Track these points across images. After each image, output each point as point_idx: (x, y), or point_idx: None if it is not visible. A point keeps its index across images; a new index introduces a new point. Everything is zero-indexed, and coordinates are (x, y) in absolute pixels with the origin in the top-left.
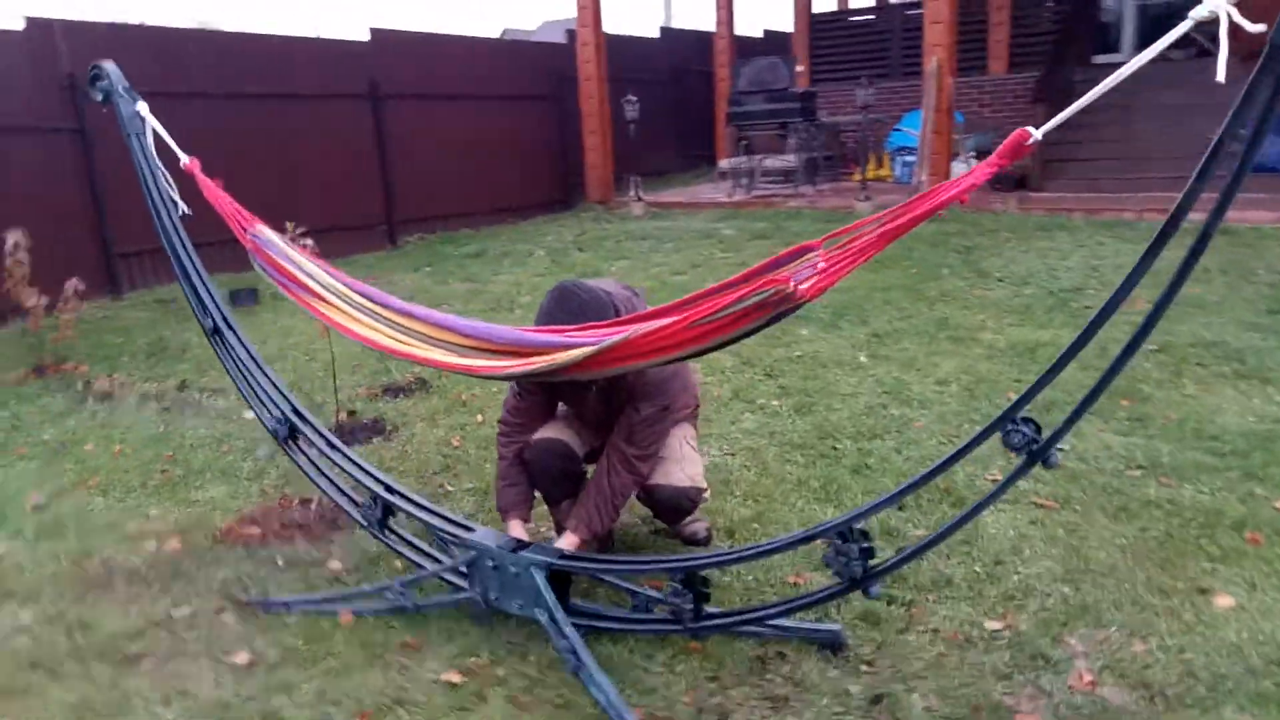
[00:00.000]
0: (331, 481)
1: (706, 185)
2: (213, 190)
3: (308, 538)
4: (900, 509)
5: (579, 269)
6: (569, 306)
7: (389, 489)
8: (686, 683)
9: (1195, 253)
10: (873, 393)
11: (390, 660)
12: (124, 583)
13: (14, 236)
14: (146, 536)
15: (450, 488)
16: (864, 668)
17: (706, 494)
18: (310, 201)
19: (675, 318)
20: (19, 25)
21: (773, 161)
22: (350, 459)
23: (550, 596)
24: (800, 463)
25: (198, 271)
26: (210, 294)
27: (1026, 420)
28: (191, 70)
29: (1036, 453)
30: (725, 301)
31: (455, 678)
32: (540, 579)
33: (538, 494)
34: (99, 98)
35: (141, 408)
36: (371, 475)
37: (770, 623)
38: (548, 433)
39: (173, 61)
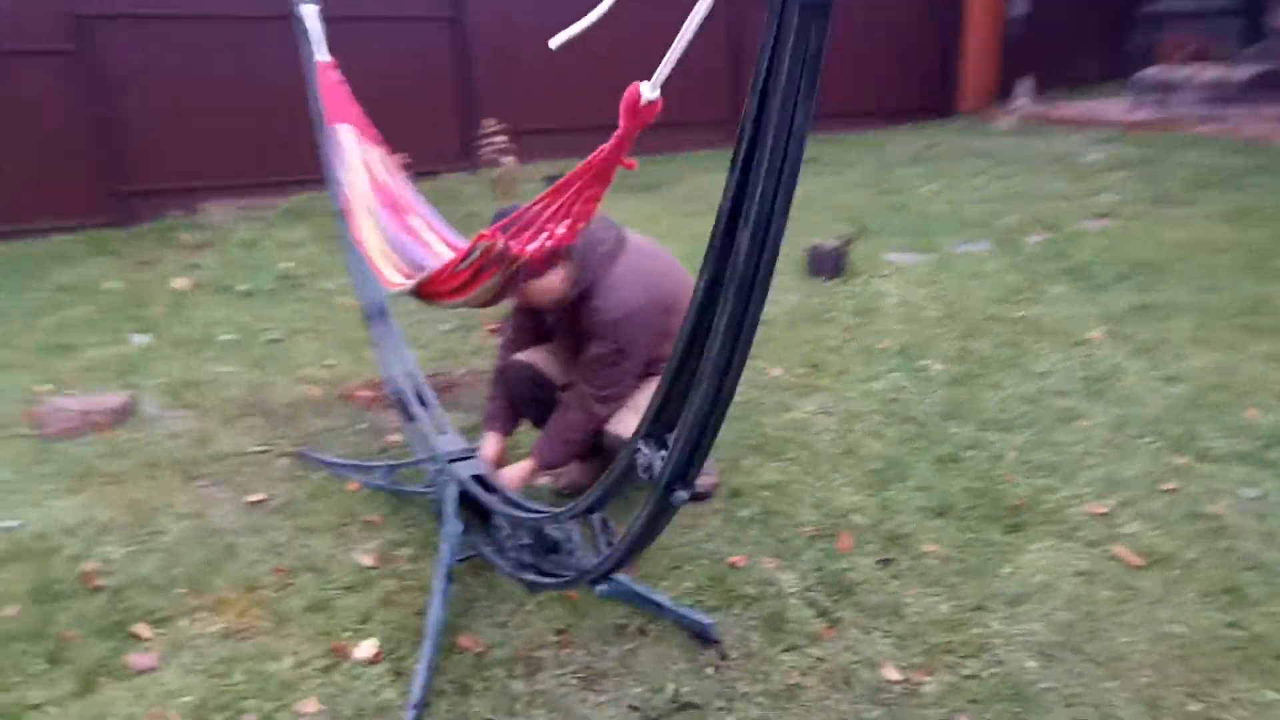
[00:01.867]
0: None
1: (1118, 100)
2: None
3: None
4: (938, 516)
5: (889, 188)
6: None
7: (409, 378)
8: (533, 628)
9: None
10: (1068, 377)
11: (346, 531)
12: (262, 413)
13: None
14: (307, 381)
15: None
16: (708, 670)
17: None
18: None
19: (434, 271)
20: None
21: (1210, 72)
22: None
23: (448, 508)
24: (887, 439)
25: None
26: None
27: (652, 438)
28: None
29: (665, 485)
30: (451, 264)
31: (369, 560)
32: (448, 491)
33: None
34: None
35: None
36: (402, 363)
37: (652, 598)
38: (524, 355)
39: None
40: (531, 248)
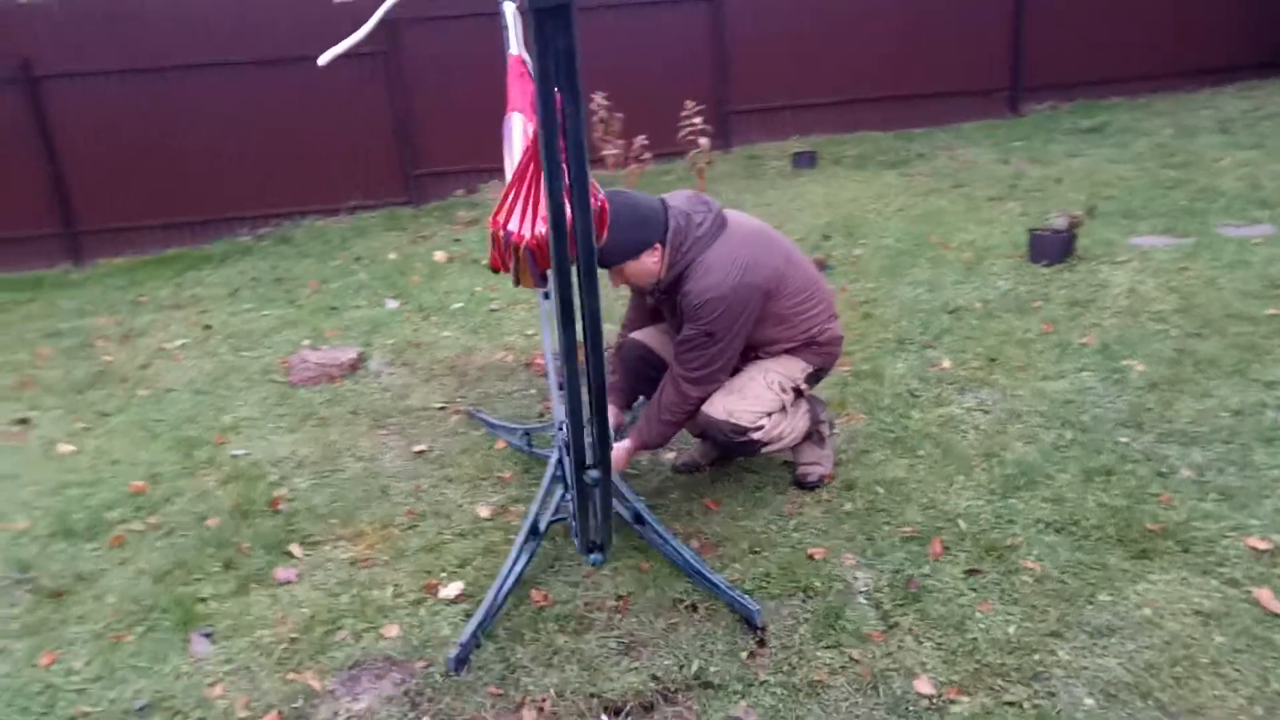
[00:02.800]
0: None
1: None
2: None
3: None
4: (1056, 532)
5: (1177, 161)
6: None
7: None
8: (600, 592)
9: None
10: None
11: (480, 484)
12: (457, 374)
13: (597, 98)
14: (506, 348)
15: None
16: (741, 654)
17: (756, 435)
18: (920, 63)
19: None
20: None
21: None
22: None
23: (548, 470)
24: (1039, 444)
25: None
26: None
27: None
28: None
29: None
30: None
31: (486, 513)
32: (552, 456)
33: None
34: None
35: None
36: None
37: (708, 576)
38: (639, 334)
39: None
40: (529, 236)
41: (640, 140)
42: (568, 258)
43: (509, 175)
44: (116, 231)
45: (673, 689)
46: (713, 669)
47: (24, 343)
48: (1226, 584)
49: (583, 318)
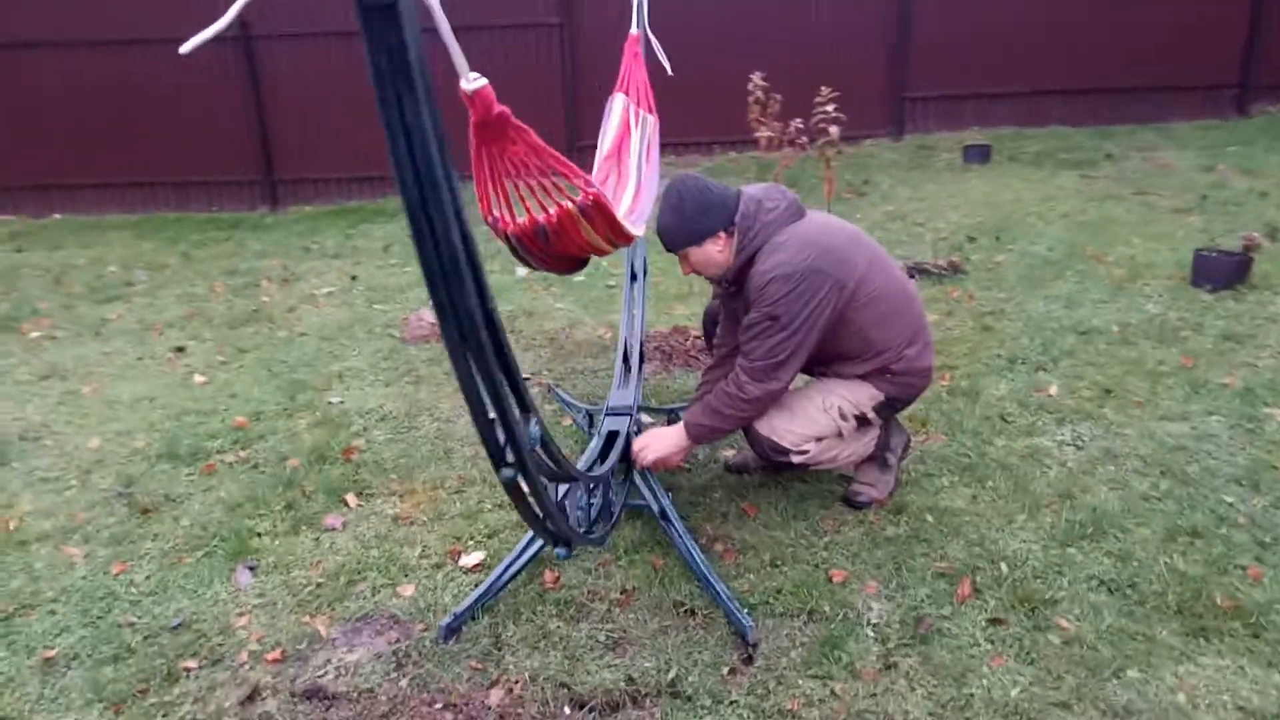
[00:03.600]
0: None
1: None
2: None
3: (664, 365)
4: (1109, 592)
5: None
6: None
7: (634, 337)
8: (609, 582)
9: None
10: None
11: None
12: (554, 346)
13: (755, 78)
14: (607, 325)
15: None
16: (723, 669)
17: (797, 457)
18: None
19: None
20: None
21: None
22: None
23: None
24: (1127, 490)
25: None
26: None
27: None
28: None
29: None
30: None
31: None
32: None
33: None
34: None
35: None
36: (632, 323)
37: (712, 584)
38: (720, 328)
39: None
40: (520, 224)
41: (796, 123)
42: (433, 259)
43: (599, 147)
44: (310, 181)
45: (643, 693)
46: (689, 679)
47: (206, 277)
48: None
49: (458, 317)
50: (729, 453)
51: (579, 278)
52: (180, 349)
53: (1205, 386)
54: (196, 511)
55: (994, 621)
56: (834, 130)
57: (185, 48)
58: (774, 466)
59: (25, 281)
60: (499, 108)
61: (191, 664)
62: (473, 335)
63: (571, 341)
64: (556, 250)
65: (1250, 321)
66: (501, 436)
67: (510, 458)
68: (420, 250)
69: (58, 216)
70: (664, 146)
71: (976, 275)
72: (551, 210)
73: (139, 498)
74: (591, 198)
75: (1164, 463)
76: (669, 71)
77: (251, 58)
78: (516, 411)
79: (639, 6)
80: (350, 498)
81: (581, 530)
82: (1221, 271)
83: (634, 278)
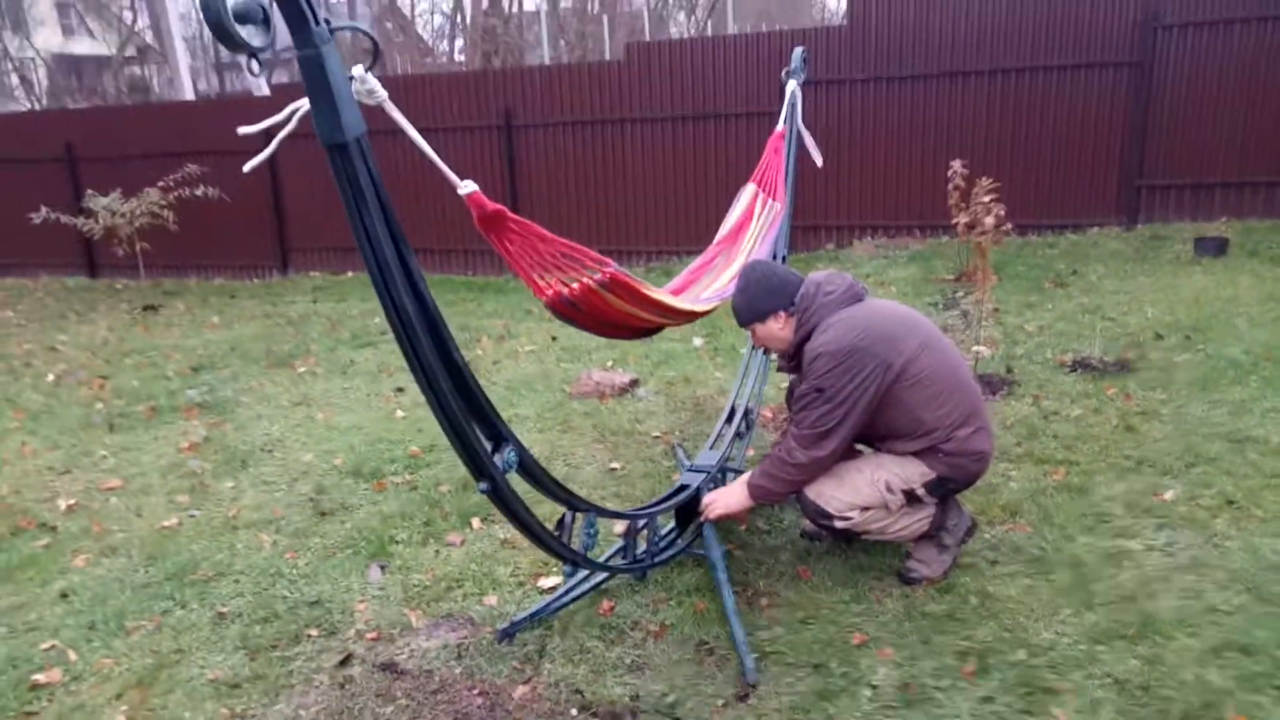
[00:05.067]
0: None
1: None
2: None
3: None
4: (1136, 702)
5: None
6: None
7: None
8: (653, 615)
9: None
10: None
11: (634, 505)
12: (694, 409)
13: (956, 164)
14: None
15: None
16: (719, 700)
17: (840, 524)
18: None
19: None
20: None
21: None
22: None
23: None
24: (1199, 603)
25: None
26: None
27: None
28: None
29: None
30: None
31: (619, 528)
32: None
33: None
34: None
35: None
36: (745, 389)
37: (732, 622)
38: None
39: None
40: (548, 296)
41: (998, 210)
42: (395, 320)
43: (720, 234)
44: None
45: (643, 710)
46: (686, 704)
47: None
48: None
49: (421, 367)
50: (806, 522)
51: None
52: (400, 389)
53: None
54: (359, 519)
55: (986, 700)
56: (989, 220)
57: (247, 167)
58: (830, 532)
59: (310, 326)
60: (492, 206)
61: (314, 632)
62: (434, 381)
63: (714, 407)
64: (595, 317)
65: None
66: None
67: (486, 476)
68: (385, 313)
69: (351, 274)
70: (884, 228)
71: (1146, 374)
72: (575, 285)
73: (323, 503)
74: (609, 275)
75: (1253, 580)
76: (819, 163)
77: (511, 142)
78: (485, 441)
79: (790, 106)
80: (475, 521)
81: (585, 552)
82: None
83: (754, 347)
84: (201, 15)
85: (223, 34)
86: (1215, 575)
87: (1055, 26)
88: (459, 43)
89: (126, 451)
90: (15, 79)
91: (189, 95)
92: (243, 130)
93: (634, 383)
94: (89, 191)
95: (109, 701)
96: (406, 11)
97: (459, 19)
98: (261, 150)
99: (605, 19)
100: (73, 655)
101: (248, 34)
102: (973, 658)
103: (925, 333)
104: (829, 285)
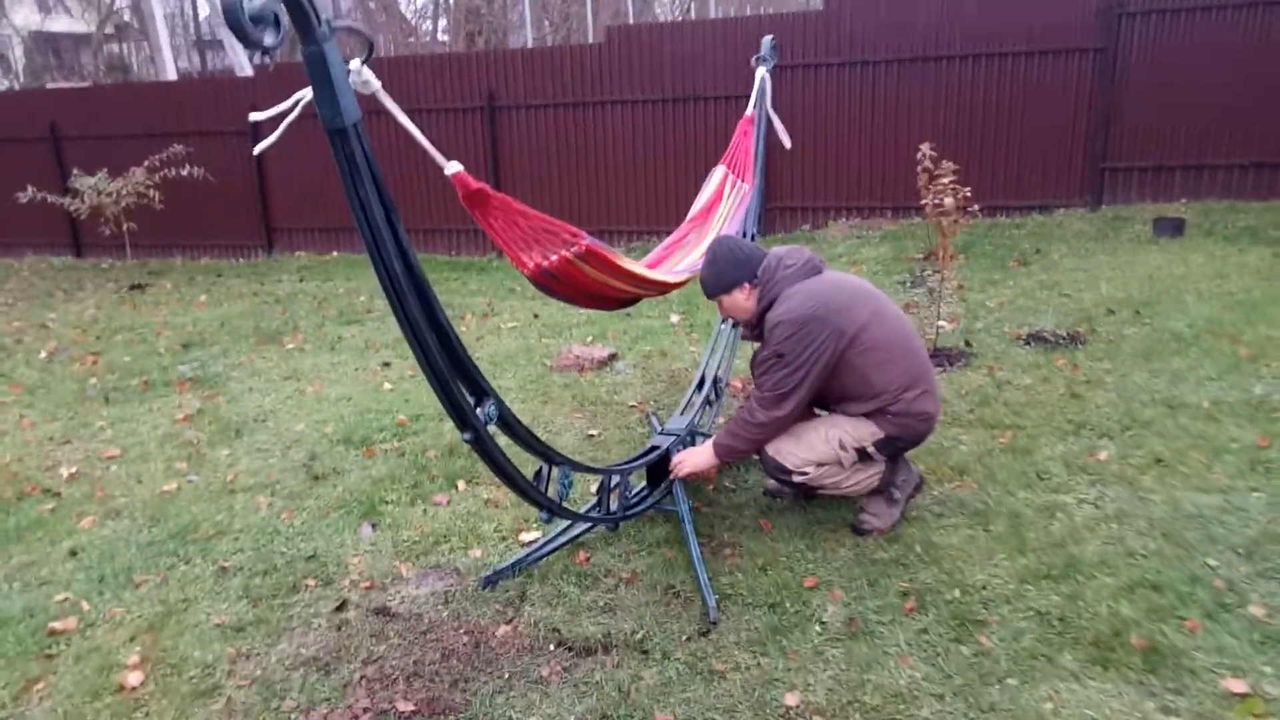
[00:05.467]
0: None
1: None
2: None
3: None
4: (1042, 623)
5: None
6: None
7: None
8: (626, 565)
9: None
10: None
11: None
12: (670, 380)
13: (924, 148)
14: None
15: None
16: (684, 637)
17: (797, 478)
18: None
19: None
20: None
21: None
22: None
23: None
24: (1120, 548)
25: None
26: None
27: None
28: None
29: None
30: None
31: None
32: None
33: None
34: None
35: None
36: (713, 361)
37: (696, 566)
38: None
39: None
40: (530, 268)
41: (965, 192)
42: (385, 281)
43: (690, 213)
44: None
45: (614, 644)
46: (653, 640)
47: None
48: (1159, 709)
49: (409, 323)
50: (770, 481)
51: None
52: (386, 364)
53: (1265, 466)
54: (350, 483)
55: (921, 631)
56: (949, 202)
57: (257, 150)
58: (790, 487)
59: (297, 305)
60: (475, 184)
61: (311, 582)
62: (421, 338)
63: (688, 379)
64: (573, 288)
65: None
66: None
67: (470, 427)
68: (377, 275)
69: (336, 254)
70: (858, 209)
71: (1095, 346)
72: (553, 258)
73: (316, 468)
74: (584, 248)
75: (1170, 528)
76: (787, 146)
77: (494, 124)
78: (469, 396)
79: (759, 92)
80: (460, 483)
81: (560, 501)
82: None
83: (724, 321)
84: (223, 17)
85: (240, 33)
86: (1137, 524)
87: (1024, 12)
88: (442, 22)
89: (123, 423)
90: None
91: (171, 74)
92: (254, 116)
93: (612, 356)
94: (75, 171)
95: (123, 644)
96: None
97: None
98: (249, 131)
99: (588, 1)
100: (85, 605)
101: (262, 33)
102: (913, 597)
103: (876, 303)
104: (789, 259)
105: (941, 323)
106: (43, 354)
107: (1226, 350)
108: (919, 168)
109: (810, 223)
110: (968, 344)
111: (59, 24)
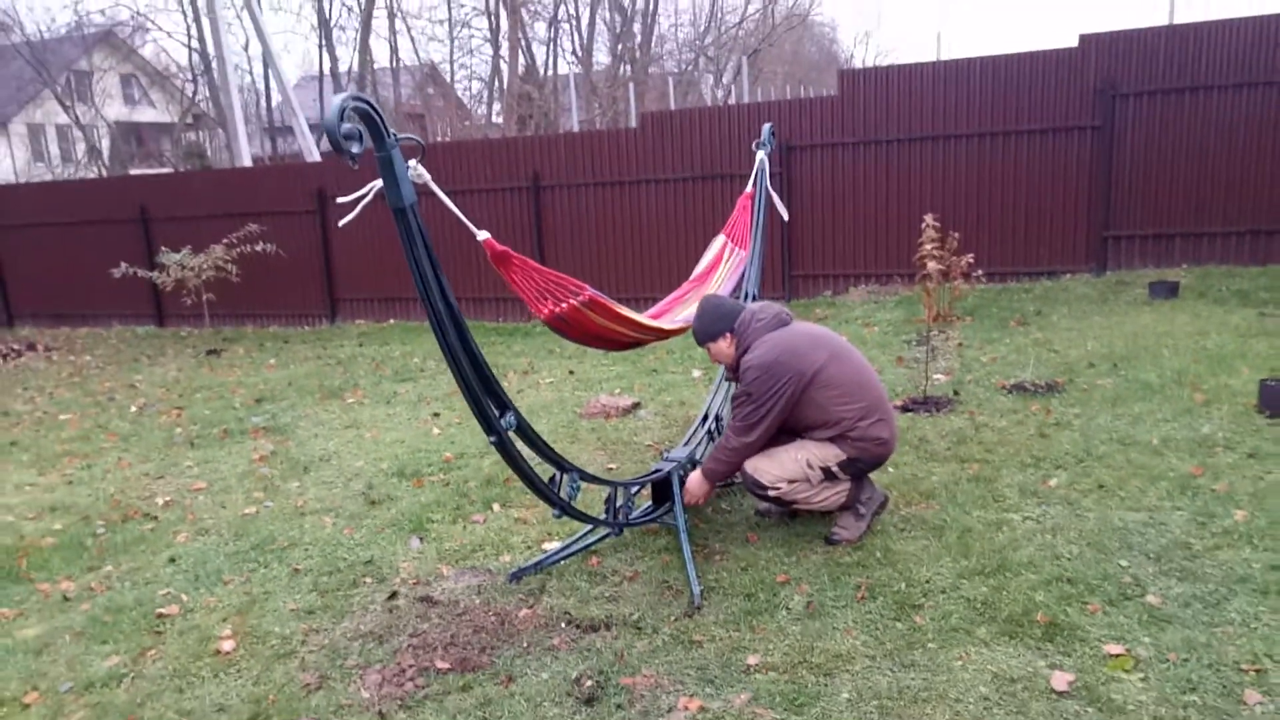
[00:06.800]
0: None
1: None
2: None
3: None
4: (981, 619)
5: None
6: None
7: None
8: (631, 564)
9: None
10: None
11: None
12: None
13: (928, 218)
14: None
15: None
16: (672, 616)
17: (772, 492)
18: None
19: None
20: (1073, 43)
21: None
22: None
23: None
24: (1048, 554)
25: None
26: None
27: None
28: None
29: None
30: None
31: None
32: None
33: None
34: None
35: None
36: (713, 399)
37: (686, 555)
38: None
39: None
40: (544, 314)
41: (967, 259)
42: (433, 319)
43: (693, 274)
44: None
45: (614, 623)
46: (646, 620)
47: None
48: (1047, 666)
49: (450, 351)
50: (760, 504)
51: None
52: (436, 414)
53: (1193, 490)
54: (402, 506)
55: (867, 613)
56: (931, 266)
57: (341, 223)
58: (768, 501)
59: (356, 366)
60: (500, 247)
61: (368, 580)
62: (458, 361)
63: None
64: (582, 331)
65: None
66: (485, 420)
67: (494, 431)
68: (427, 313)
69: (393, 321)
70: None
71: (1070, 394)
72: (564, 305)
73: (373, 495)
74: (588, 297)
75: (1096, 539)
76: (785, 217)
77: (538, 202)
78: (494, 408)
79: (758, 172)
80: (495, 506)
81: (570, 501)
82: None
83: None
84: (326, 135)
85: (336, 146)
86: (1069, 535)
87: (1026, 94)
88: (496, 106)
89: (207, 463)
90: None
91: (247, 160)
92: (341, 200)
93: (636, 405)
94: (163, 248)
95: (217, 624)
96: (447, 78)
97: (496, 84)
98: (316, 210)
99: (631, 85)
100: (184, 597)
101: (350, 145)
102: (865, 589)
103: (834, 348)
104: (760, 314)
105: (937, 375)
106: (133, 409)
107: (1186, 397)
108: (924, 237)
109: (832, 289)
110: (955, 393)
111: (144, 115)
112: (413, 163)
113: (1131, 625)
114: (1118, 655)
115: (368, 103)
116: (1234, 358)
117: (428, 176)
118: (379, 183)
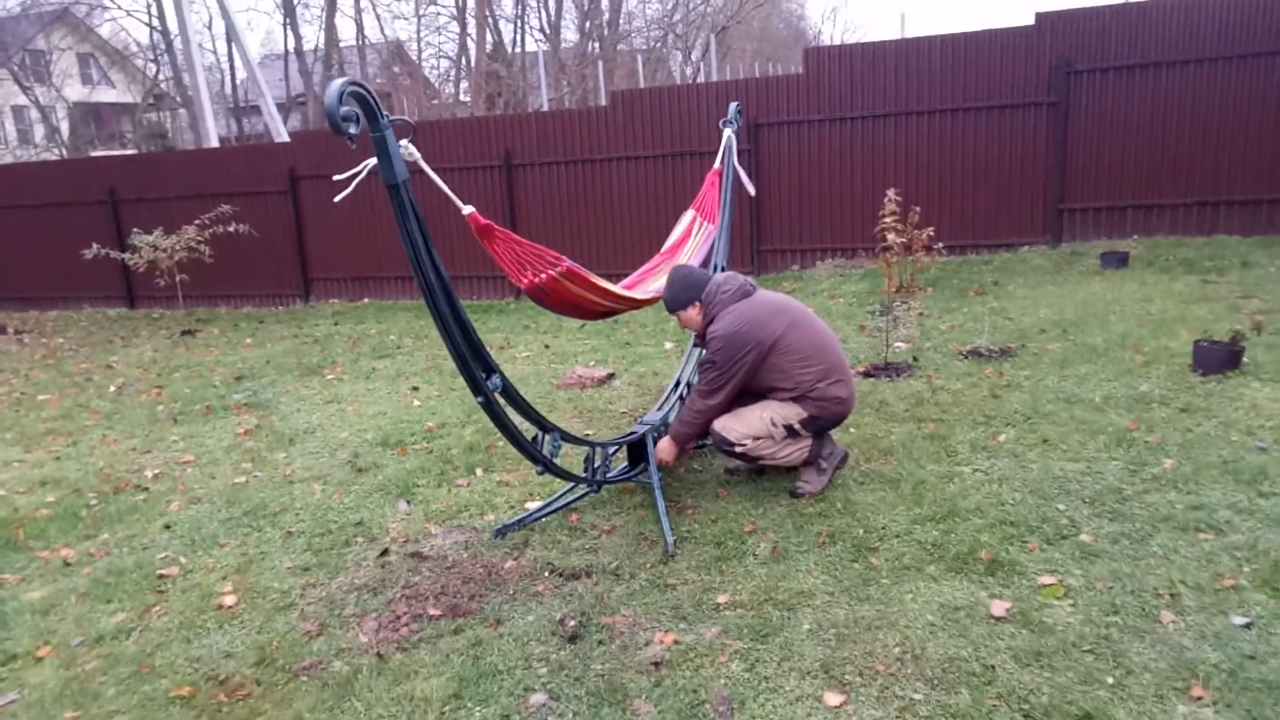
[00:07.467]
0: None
1: None
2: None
3: None
4: (932, 560)
5: None
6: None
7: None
8: (608, 520)
9: None
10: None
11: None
12: (659, 393)
13: (890, 193)
14: None
15: None
16: (646, 563)
17: (738, 449)
18: None
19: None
20: (1029, 20)
21: None
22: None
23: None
24: (995, 501)
25: None
26: None
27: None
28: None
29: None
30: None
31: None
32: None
33: None
34: None
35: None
36: (684, 368)
37: (660, 507)
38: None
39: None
40: (525, 284)
41: (928, 232)
42: (423, 285)
43: (663, 247)
44: None
45: (594, 571)
46: (623, 568)
47: None
48: (988, 596)
49: (440, 316)
50: (734, 465)
51: None
52: (415, 388)
53: (1129, 442)
54: (388, 473)
55: (827, 556)
56: (891, 237)
57: (336, 199)
58: (735, 458)
59: (334, 344)
60: (484, 221)
61: (360, 540)
62: (449, 328)
63: None
64: (559, 300)
65: (1220, 400)
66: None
67: (481, 392)
68: (418, 283)
69: (367, 300)
70: (842, 250)
71: (1022, 358)
72: (543, 275)
73: (359, 464)
74: (566, 268)
75: (1038, 486)
76: (752, 193)
77: (510, 179)
78: (480, 371)
79: (726, 149)
80: (479, 471)
81: (552, 459)
82: (1212, 359)
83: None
84: (326, 117)
85: (335, 127)
86: (1013, 484)
87: (985, 71)
88: (464, 85)
89: (192, 438)
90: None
91: (214, 140)
92: (337, 177)
93: (610, 376)
94: (134, 230)
95: (217, 581)
96: (414, 56)
97: (464, 62)
98: (288, 190)
99: (600, 63)
100: (183, 559)
101: (348, 126)
102: (826, 535)
103: (794, 315)
104: (726, 285)
105: (898, 343)
106: (112, 388)
107: (1128, 358)
108: (884, 212)
109: (799, 263)
110: (915, 359)
111: (105, 95)
112: (404, 142)
113: (1065, 560)
114: (1050, 585)
115: (363, 86)
116: (1175, 322)
117: (418, 155)
118: (373, 161)
